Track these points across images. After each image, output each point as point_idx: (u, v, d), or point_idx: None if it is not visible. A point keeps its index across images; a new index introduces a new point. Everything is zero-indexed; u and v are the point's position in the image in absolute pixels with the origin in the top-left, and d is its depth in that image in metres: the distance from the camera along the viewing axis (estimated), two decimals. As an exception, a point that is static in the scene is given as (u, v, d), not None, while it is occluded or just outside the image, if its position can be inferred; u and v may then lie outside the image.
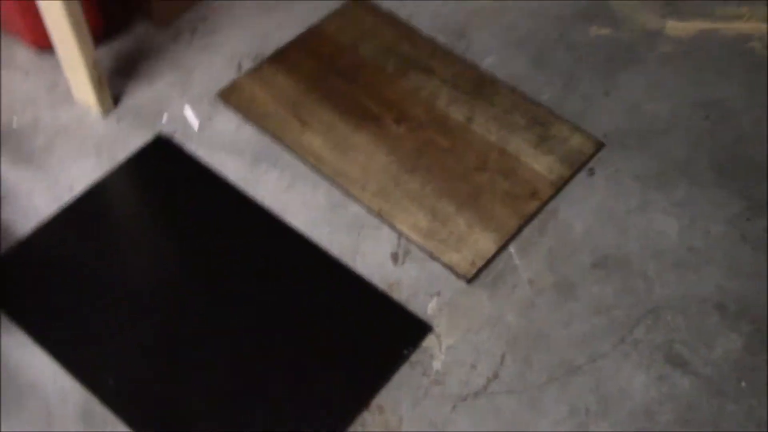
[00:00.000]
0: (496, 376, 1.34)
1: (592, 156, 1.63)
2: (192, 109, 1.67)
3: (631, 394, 1.33)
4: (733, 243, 1.52)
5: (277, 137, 1.62)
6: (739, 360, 1.37)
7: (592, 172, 1.61)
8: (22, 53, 1.76)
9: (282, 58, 1.76)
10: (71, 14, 1.45)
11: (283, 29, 1.83)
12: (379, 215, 1.52)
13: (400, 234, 1.50)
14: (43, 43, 1.73)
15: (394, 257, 1.48)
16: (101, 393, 1.28)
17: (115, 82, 1.70)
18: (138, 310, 1.38)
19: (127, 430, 1.25)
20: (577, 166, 1.61)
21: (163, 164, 1.59)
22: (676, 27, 1.89)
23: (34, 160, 1.58)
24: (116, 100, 1.68)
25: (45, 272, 1.42)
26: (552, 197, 1.56)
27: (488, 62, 1.80)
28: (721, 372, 1.36)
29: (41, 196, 1.53)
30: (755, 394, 1.33)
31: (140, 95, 1.70)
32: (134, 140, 1.62)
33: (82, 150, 1.60)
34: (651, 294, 1.45)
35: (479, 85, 1.73)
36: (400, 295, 1.43)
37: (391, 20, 1.86)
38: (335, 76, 1.73)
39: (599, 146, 1.65)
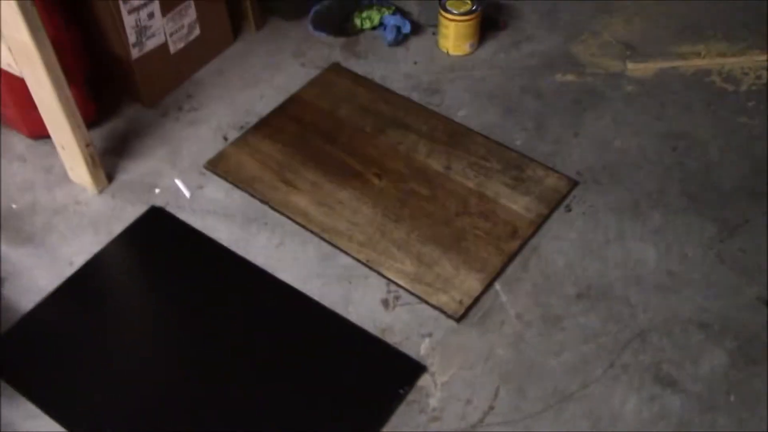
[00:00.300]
0: (491, 408, 1.38)
1: (567, 194, 1.70)
2: (182, 180, 1.75)
3: (624, 417, 1.36)
4: (710, 264, 1.57)
5: (266, 200, 1.70)
6: (726, 375, 1.41)
7: (569, 209, 1.68)
8: (19, 142, 1.85)
9: (266, 126, 1.85)
10: (63, 102, 1.54)
11: (265, 100, 1.93)
12: (368, 265, 1.58)
13: (389, 281, 1.56)
14: (38, 132, 1.82)
15: (385, 303, 1.53)
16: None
17: (108, 160, 1.78)
18: (139, 373, 1.43)
19: (135, 490, 1.28)
20: (554, 204, 1.68)
21: (157, 233, 1.65)
22: (636, 68, 1.99)
23: (34, 239, 1.65)
24: (110, 177, 1.76)
25: (49, 344, 1.47)
26: (532, 235, 1.63)
27: (461, 114, 1.89)
28: (710, 387, 1.40)
29: (42, 273, 1.59)
30: (745, 407, 1.37)
31: (132, 171, 1.78)
32: (129, 213, 1.69)
33: (79, 227, 1.67)
34: (635, 319, 1.50)
35: (454, 136, 1.82)
36: (393, 339, 1.48)
37: (366, 83, 1.96)
38: (317, 138, 1.82)
39: (573, 184, 1.72)
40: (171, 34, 1.87)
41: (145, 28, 1.80)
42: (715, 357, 1.44)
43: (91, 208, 1.71)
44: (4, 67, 1.57)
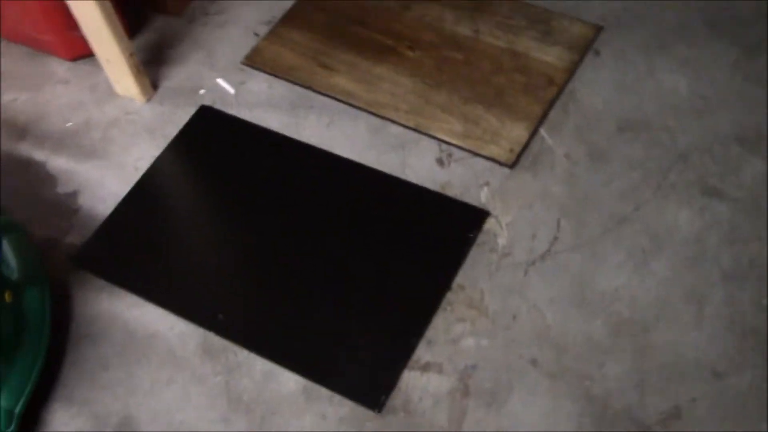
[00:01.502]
0: (556, 239, 1.49)
1: (594, 39, 1.77)
2: (224, 78, 1.82)
3: (679, 228, 1.48)
4: (738, 84, 1.66)
5: (308, 85, 1.76)
6: (764, 181, 1.52)
7: (598, 53, 1.76)
8: (58, 66, 1.90)
9: (293, 18, 1.90)
10: (106, 14, 1.59)
11: (286, -7, 1.98)
12: (417, 130, 1.66)
13: (440, 141, 1.65)
14: (76, 53, 1.88)
15: (440, 162, 1.62)
16: (215, 327, 1.43)
17: (149, 71, 1.84)
18: (225, 253, 1.53)
19: (245, 352, 1.40)
20: (583, 50, 1.75)
21: (211, 130, 1.73)
22: None
23: (96, 152, 1.73)
24: (154, 86, 1.82)
25: (136, 240, 1.57)
26: (567, 81, 1.71)
27: (480, -20, 1.94)
28: (752, 193, 1.50)
29: (112, 180, 1.67)
30: (788, 205, 1.48)
31: (174, 78, 1.84)
32: (180, 116, 1.76)
33: (136, 134, 1.75)
34: (676, 143, 1.59)
35: (476, 1, 1.87)
36: (454, 192, 1.57)
37: (383, -37, 2.00)
38: (345, 22, 1.87)
39: (599, 29, 1.79)
40: (186, -60, 1.90)
41: (163, -65, 1.83)
42: (755, 165, 1.54)
43: (142, 117, 1.78)
44: (43, -14, 1.61)
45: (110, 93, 1.83)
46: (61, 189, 1.67)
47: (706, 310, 1.38)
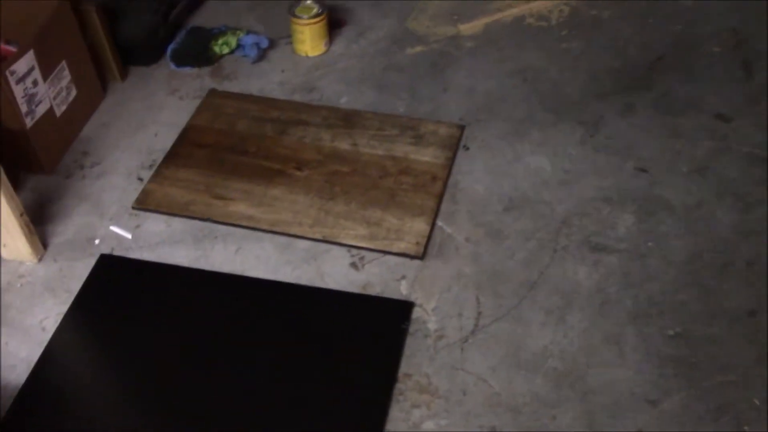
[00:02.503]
0: (480, 314, 1.60)
1: (461, 137, 1.97)
2: (118, 225, 1.80)
3: (581, 283, 1.64)
4: (590, 155, 1.91)
5: (207, 217, 1.80)
6: (638, 229, 1.74)
7: (467, 148, 1.95)
8: (-73, 241, 1.79)
9: (174, 157, 1.95)
10: (-7, 174, 1.56)
11: (160, 136, 2.02)
12: (325, 240, 1.74)
13: (349, 247, 1.73)
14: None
15: (354, 266, 1.70)
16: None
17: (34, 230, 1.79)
18: (160, 393, 1.49)
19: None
20: (455, 146, 1.94)
21: (117, 276, 1.70)
22: (467, 28, 2.32)
23: (-7, 321, 1.63)
24: (43, 245, 1.76)
25: (61, 401, 1.48)
26: (448, 175, 1.87)
27: (344, 101, 2.10)
28: (631, 242, 1.71)
29: (18, 346, 1.58)
30: (660, 248, 1.70)
31: (63, 233, 1.80)
32: (79, 269, 1.72)
33: (35, 295, 1.67)
34: (555, 211, 1.79)
35: (347, 119, 2.02)
36: (376, 291, 1.65)
37: (249, 98, 2.11)
38: (228, 154, 1.94)
39: (462, 128, 1.99)
40: (54, 98, 1.91)
41: (33, 95, 1.83)
42: (626, 219, 1.76)
43: (38, 276, 1.71)
44: None
45: (-5, 259, 1.75)
46: (-38, 365, 1.56)
47: (625, 348, 1.53)
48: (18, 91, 1.78)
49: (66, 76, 1.95)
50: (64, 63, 1.93)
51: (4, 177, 1.59)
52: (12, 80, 1.76)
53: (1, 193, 1.59)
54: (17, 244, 1.70)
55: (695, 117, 1.99)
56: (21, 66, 1.78)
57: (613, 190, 1.83)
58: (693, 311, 1.58)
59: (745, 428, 1.40)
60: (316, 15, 2.19)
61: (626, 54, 2.20)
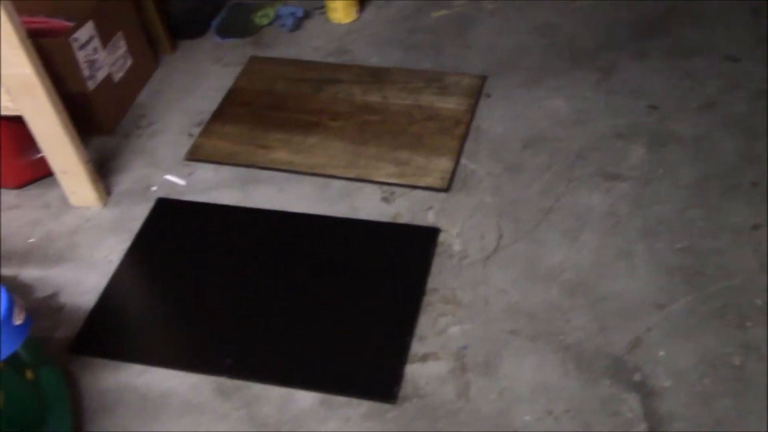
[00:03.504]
0: (501, 236, 1.74)
1: (482, 86, 2.12)
2: (172, 174, 1.99)
3: (594, 207, 1.77)
4: (604, 97, 2.04)
5: (251, 164, 1.98)
6: (649, 160, 1.86)
7: (488, 95, 2.10)
8: (5, 196, 2.00)
9: (221, 115, 2.13)
10: (65, 126, 1.76)
11: (208, 99, 2.21)
12: (358, 179, 1.90)
13: (380, 184, 1.89)
14: (21, 181, 2.00)
15: (385, 200, 1.86)
16: (226, 372, 1.55)
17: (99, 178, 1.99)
18: (217, 307, 1.66)
19: (258, 385, 1.52)
20: (477, 95, 2.09)
21: (173, 216, 1.89)
22: (489, -9, 2.46)
23: (65, 257, 1.83)
24: (108, 193, 1.96)
25: (128, 317, 1.68)
26: (471, 120, 2.02)
27: (374, 61, 2.27)
28: (642, 170, 1.84)
29: (88, 276, 1.78)
30: (671, 175, 1.82)
31: (123, 183, 2.00)
32: (139, 212, 1.91)
33: (100, 235, 1.87)
34: (570, 146, 1.92)
35: (377, 75, 2.19)
36: (405, 220, 1.81)
37: (286, 61, 2.29)
38: (268, 110, 2.12)
39: (484, 78, 2.14)
40: (112, 65, 2.12)
41: (93, 61, 2.04)
42: (636, 151, 1.89)
43: (103, 219, 1.91)
44: (2, 111, 1.76)
45: (65, 206, 1.95)
46: (39, 294, 1.76)
47: (635, 261, 1.66)
48: (80, 56, 1.99)
49: (122, 46, 2.15)
50: (120, 34, 2.14)
51: (71, 128, 1.79)
52: (75, 46, 1.96)
53: (70, 143, 1.79)
54: (84, 191, 1.90)
55: (705, 59, 2.10)
56: (82, 34, 1.99)
57: (625, 126, 1.95)
58: (700, 227, 1.70)
59: (748, 324, 1.51)
60: (347, -15, 2.36)
61: (640, 7, 2.32)
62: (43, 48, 1.78)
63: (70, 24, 2.13)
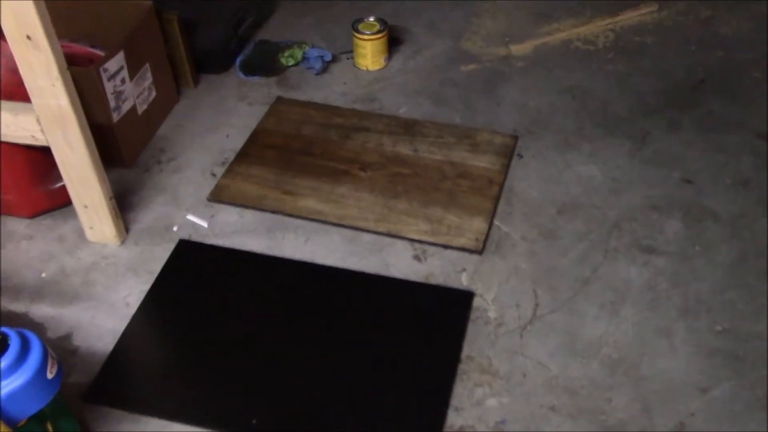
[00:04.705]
0: (537, 305, 1.70)
1: (514, 146, 2.09)
2: (194, 215, 1.93)
3: (632, 281, 1.74)
4: (638, 167, 2.02)
5: (278, 210, 1.92)
6: (685, 234, 1.84)
7: (521, 156, 2.07)
8: (17, 224, 1.92)
9: (245, 156, 2.08)
10: (94, 160, 1.69)
11: (231, 137, 2.15)
12: (389, 234, 1.85)
13: (412, 241, 1.84)
14: (36, 210, 1.92)
15: (417, 258, 1.81)
16: (252, 432, 1.47)
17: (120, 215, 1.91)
18: (241, 364, 1.59)
19: (288, 450, 1.45)
20: (509, 155, 2.06)
21: (196, 260, 1.82)
22: (518, 49, 2.45)
23: (80, 295, 1.75)
24: (125, 230, 1.89)
25: (147, 368, 1.59)
26: (504, 181, 1.99)
27: (403, 111, 2.23)
28: (679, 245, 1.81)
29: (104, 318, 1.69)
30: (709, 252, 1.80)
31: (143, 220, 1.92)
32: (159, 252, 1.83)
33: (118, 274, 1.79)
34: (606, 216, 1.89)
35: (408, 127, 2.15)
36: (438, 281, 1.76)
37: (313, 105, 2.25)
38: (295, 155, 2.07)
39: (515, 138, 2.11)
40: (137, 97, 2.05)
41: (120, 92, 1.97)
42: (673, 225, 1.86)
43: (120, 258, 1.83)
44: (26, 140, 1.68)
45: (80, 241, 1.87)
46: (52, 334, 1.67)
47: (675, 341, 1.62)
48: (108, 87, 1.92)
49: (148, 78, 2.09)
50: (147, 65, 2.08)
51: (99, 163, 1.72)
52: (105, 77, 1.90)
53: (97, 178, 1.71)
54: (103, 227, 1.82)
55: (738, 135, 2.10)
56: (112, 65, 1.92)
57: (660, 198, 1.93)
58: (739, 310, 1.67)
59: (792, 416, 1.48)
60: (378, 31, 2.34)
61: (670, 76, 2.32)
62: (72, 77, 1.71)
63: (92, 50, 2.08)
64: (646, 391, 1.53)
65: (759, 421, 1.47)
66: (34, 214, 1.93)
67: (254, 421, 1.49)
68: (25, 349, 1.14)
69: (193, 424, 1.49)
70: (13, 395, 1.13)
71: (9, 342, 1.13)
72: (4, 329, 1.15)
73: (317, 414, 1.50)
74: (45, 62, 1.51)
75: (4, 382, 1.12)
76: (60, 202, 1.92)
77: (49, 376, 1.17)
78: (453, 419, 1.50)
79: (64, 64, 1.54)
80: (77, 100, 1.60)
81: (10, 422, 1.11)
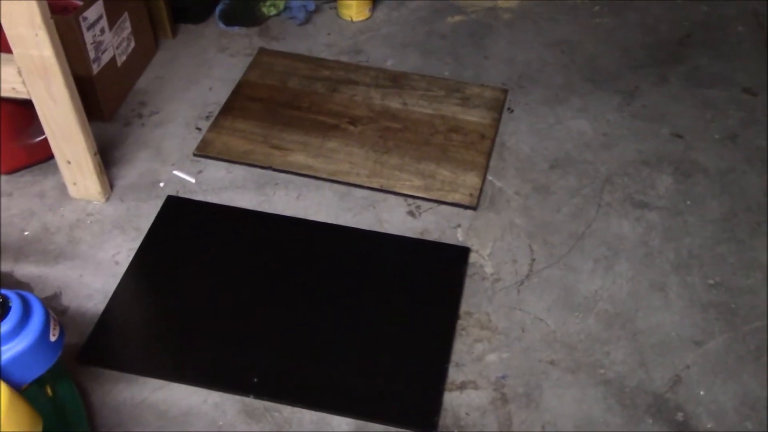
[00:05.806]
0: (533, 260, 1.70)
1: (504, 100, 2.07)
2: (181, 170, 1.87)
3: (626, 236, 1.75)
4: (628, 121, 2.02)
5: (267, 165, 1.87)
6: (676, 188, 1.85)
7: (511, 110, 2.05)
8: (-7, 180, 1.85)
9: (230, 109, 2.02)
10: (79, 115, 1.62)
11: (215, 90, 2.09)
12: (382, 189, 1.83)
13: (406, 197, 1.82)
14: (13, 166, 1.85)
15: (411, 214, 1.79)
16: (253, 391, 1.45)
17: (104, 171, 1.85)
18: (240, 320, 1.56)
19: (289, 408, 1.44)
20: (500, 109, 2.03)
21: (185, 216, 1.77)
22: (505, 2, 2.41)
23: (65, 254, 1.69)
24: (110, 186, 1.83)
25: (142, 327, 1.56)
26: (495, 135, 1.97)
27: (390, 64, 2.19)
28: (670, 200, 1.83)
29: (93, 277, 1.65)
30: (696, 206, 1.81)
31: (127, 176, 1.86)
32: (147, 209, 1.78)
33: (105, 232, 1.74)
34: (598, 171, 1.89)
35: (396, 80, 2.11)
36: (433, 237, 1.74)
37: (298, 57, 2.19)
38: (282, 108, 2.02)
39: (505, 92, 2.09)
40: (117, 47, 1.97)
41: (100, 43, 1.89)
42: (664, 180, 1.87)
43: (106, 215, 1.78)
44: (6, 93, 1.60)
45: (62, 197, 1.81)
46: (39, 294, 1.62)
47: (670, 295, 1.64)
48: (88, 37, 1.84)
49: (127, 27, 2.01)
50: (126, 14, 1.99)
51: (83, 116, 1.65)
52: (84, 26, 1.81)
53: (81, 132, 1.65)
54: (87, 183, 1.76)
55: (724, 90, 2.11)
56: (92, 13, 1.84)
57: (650, 153, 1.94)
58: (730, 264, 1.70)
59: (783, 367, 1.52)
60: (363, -19, 2.27)
61: (656, 30, 2.31)
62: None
63: (76, 2, 1.98)
64: (642, 345, 1.55)
65: (751, 373, 1.51)
66: (12, 170, 1.85)
67: (255, 380, 1.47)
68: (26, 311, 1.10)
69: (190, 383, 1.47)
70: (16, 360, 1.09)
71: (10, 305, 1.08)
72: (4, 291, 1.11)
73: (317, 371, 1.49)
74: (27, 10, 1.43)
75: (6, 347, 1.08)
76: (39, 157, 1.85)
77: (52, 338, 1.13)
78: (454, 375, 1.50)
79: (48, 13, 1.46)
80: (61, 50, 1.53)
81: (12, 387, 1.07)
